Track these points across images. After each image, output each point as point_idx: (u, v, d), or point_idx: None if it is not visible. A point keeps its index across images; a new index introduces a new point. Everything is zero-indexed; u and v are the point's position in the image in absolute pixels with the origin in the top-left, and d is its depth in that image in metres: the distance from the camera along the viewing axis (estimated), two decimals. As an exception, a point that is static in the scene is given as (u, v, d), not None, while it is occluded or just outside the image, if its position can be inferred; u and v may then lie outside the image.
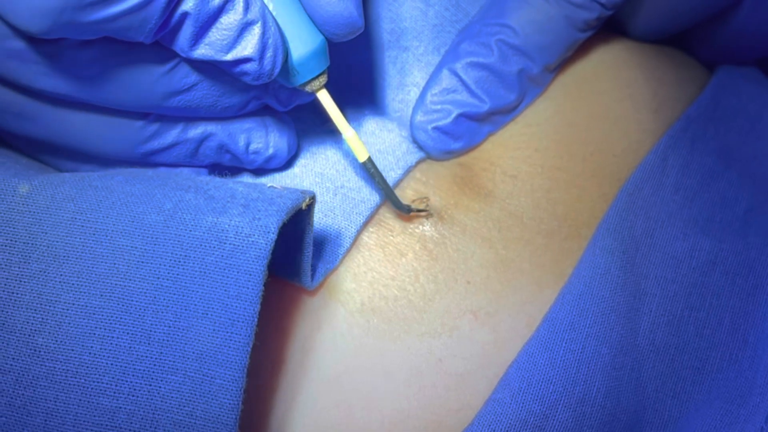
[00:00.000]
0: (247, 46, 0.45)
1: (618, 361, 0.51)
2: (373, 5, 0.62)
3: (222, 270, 0.42)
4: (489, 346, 0.52)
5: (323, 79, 0.51)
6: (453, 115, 0.56)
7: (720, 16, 0.62)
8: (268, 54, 0.46)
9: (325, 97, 0.51)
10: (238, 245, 0.42)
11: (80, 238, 0.43)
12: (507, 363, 0.51)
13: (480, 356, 0.52)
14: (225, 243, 0.42)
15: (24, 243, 0.43)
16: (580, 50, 0.61)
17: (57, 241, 0.43)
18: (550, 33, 0.56)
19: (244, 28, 0.45)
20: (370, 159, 0.52)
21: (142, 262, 0.42)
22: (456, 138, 0.57)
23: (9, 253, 0.43)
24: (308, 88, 0.50)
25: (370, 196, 0.54)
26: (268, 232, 0.43)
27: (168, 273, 0.42)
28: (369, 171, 0.52)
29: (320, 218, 0.53)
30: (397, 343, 0.52)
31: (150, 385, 0.42)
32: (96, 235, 0.43)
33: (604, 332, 0.51)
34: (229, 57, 0.45)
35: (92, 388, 0.42)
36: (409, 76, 0.61)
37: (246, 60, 0.45)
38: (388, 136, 0.57)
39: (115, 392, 0.42)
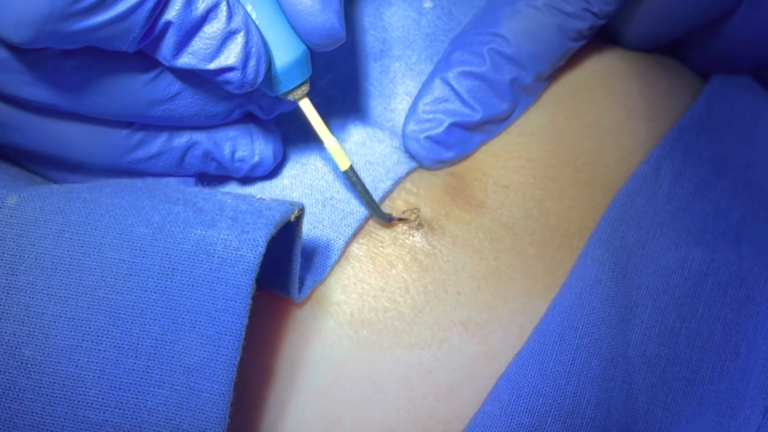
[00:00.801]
0: (230, 55, 0.45)
1: (609, 373, 0.50)
2: (365, 14, 0.62)
3: (210, 283, 0.42)
4: (479, 358, 0.52)
5: (306, 88, 0.51)
6: (445, 125, 0.56)
7: (712, 27, 0.62)
8: (251, 63, 0.46)
9: (307, 106, 0.51)
10: (227, 259, 0.42)
11: (68, 251, 0.43)
12: (497, 374, 0.51)
13: (470, 368, 0.52)
14: (213, 256, 0.42)
15: (12, 255, 0.43)
16: (573, 60, 0.61)
17: (45, 254, 0.43)
18: (542, 42, 0.56)
19: (227, 37, 0.45)
20: (351, 168, 0.52)
21: (130, 275, 0.42)
22: (448, 147, 0.56)
23: (-5, 265, 0.43)
24: (291, 97, 0.50)
25: (358, 208, 0.54)
26: (257, 246, 0.42)
27: (156, 286, 0.42)
28: (350, 179, 0.52)
29: (309, 230, 0.53)
30: (387, 354, 0.51)
31: (137, 399, 0.42)
32: (84, 247, 0.43)
33: (594, 344, 0.51)
34: (212, 66, 0.45)
35: (79, 401, 0.42)
36: (401, 85, 0.61)
37: (229, 69, 0.45)
38: (379, 147, 0.57)
39: (101, 405, 0.42)
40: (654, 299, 0.53)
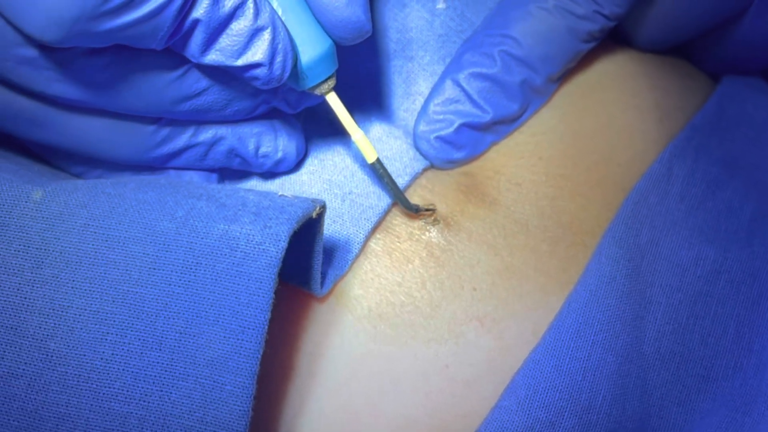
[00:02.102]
0: (257, 52, 0.45)
1: (624, 369, 0.51)
2: (380, 15, 0.62)
3: (233, 277, 0.42)
4: (495, 353, 0.52)
5: (332, 82, 0.51)
6: (455, 125, 0.56)
7: (723, 28, 0.63)
8: (278, 59, 0.46)
9: (334, 100, 0.52)
10: (249, 253, 0.43)
11: (93, 245, 0.43)
12: (513, 370, 0.52)
13: (486, 362, 0.52)
14: (236, 251, 0.43)
15: (37, 249, 0.43)
16: (585, 60, 0.62)
17: (69, 247, 0.43)
18: (553, 44, 0.57)
19: (254, 34, 0.45)
20: (378, 160, 0.53)
21: (154, 269, 0.43)
22: (458, 147, 0.57)
23: (22, 258, 0.43)
24: (317, 91, 0.51)
25: (378, 202, 0.54)
26: (279, 241, 0.43)
27: (179, 280, 0.42)
28: (378, 172, 0.53)
29: (329, 224, 0.54)
30: (404, 349, 0.52)
31: (161, 391, 0.42)
32: (108, 241, 0.43)
33: (609, 340, 0.51)
34: (240, 62, 0.46)
35: (104, 394, 0.42)
36: (415, 86, 0.61)
37: (256, 65, 0.46)
38: (395, 143, 0.58)
39: (126, 397, 0.42)
40: (668, 297, 0.53)
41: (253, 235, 0.43)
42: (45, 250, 0.43)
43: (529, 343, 0.52)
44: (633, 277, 0.53)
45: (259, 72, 0.46)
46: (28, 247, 0.43)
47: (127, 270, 0.43)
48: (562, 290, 0.54)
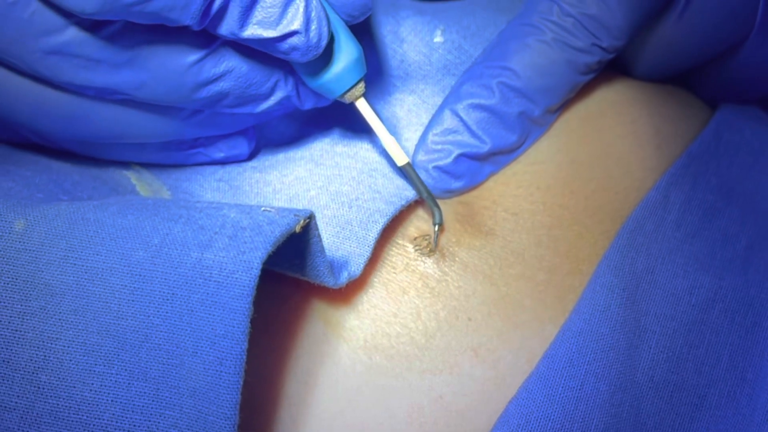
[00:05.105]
0: (293, 21, 0.47)
1: (617, 398, 0.51)
2: (379, 51, 0.63)
3: (208, 308, 0.42)
4: (489, 383, 0.52)
5: (361, 89, 0.53)
6: (453, 155, 0.57)
7: (721, 58, 0.63)
8: (313, 26, 0.48)
9: (363, 106, 0.54)
10: (222, 282, 0.42)
11: (74, 277, 0.43)
12: (508, 400, 0.51)
13: (481, 393, 0.52)
14: (209, 280, 0.42)
15: (23, 281, 0.44)
16: (583, 89, 0.62)
17: (53, 280, 0.43)
18: (551, 76, 0.57)
19: (288, 3, 0.47)
20: (409, 164, 0.55)
21: (132, 301, 0.43)
22: (456, 177, 0.57)
23: (11, 291, 0.43)
24: (347, 98, 0.53)
25: (384, 206, 0.55)
26: (251, 269, 0.42)
27: (157, 311, 0.42)
28: (408, 174, 0.56)
29: (338, 231, 0.54)
30: (399, 380, 0.52)
31: (149, 421, 0.42)
32: (88, 273, 0.43)
33: (603, 369, 0.51)
34: (277, 32, 0.47)
35: (94, 425, 0.42)
36: (415, 118, 0.62)
37: (293, 33, 0.48)
38: (394, 168, 0.58)
39: (115, 429, 0.42)
40: (662, 325, 0.53)
41: (226, 264, 0.43)
42: (32, 282, 0.44)
43: (525, 372, 0.52)
44: (628, 305, 0.53)
45: (296, 41, 0.48)
46: (16, 279, 0.44)
47: (107, 302, 0.43)
48: (559, 319, 0.54)
